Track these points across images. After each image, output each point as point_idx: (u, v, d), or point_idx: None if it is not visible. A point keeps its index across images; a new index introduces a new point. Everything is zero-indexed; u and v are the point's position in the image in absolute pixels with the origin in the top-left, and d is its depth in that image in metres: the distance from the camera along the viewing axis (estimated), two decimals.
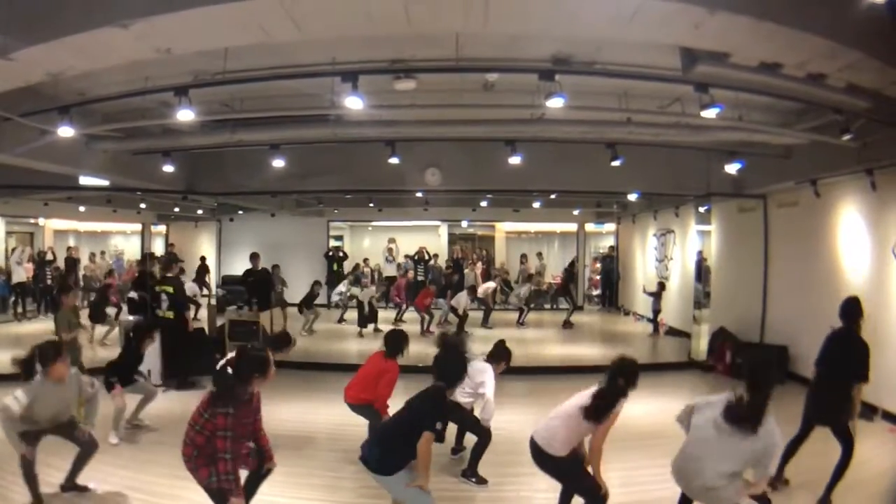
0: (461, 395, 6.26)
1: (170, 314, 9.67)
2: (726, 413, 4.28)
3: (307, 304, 14.68)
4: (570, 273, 17.83)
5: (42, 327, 14.80)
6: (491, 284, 17.02)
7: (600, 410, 4.53)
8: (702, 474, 4.29)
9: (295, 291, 15.42)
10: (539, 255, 21.49)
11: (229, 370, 4.85)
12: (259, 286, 12.81)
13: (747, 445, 4.19)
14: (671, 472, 4.56)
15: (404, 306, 16.51)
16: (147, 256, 12.65)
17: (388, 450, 4.38)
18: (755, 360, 4.78)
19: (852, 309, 5.90)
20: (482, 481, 6.13)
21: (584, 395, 4.71)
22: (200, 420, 4.39)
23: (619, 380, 4.58)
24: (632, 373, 4.63)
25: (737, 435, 4.20)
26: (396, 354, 6.37)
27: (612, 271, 20.50)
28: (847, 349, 5.80)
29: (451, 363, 4.73)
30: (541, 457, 4.72)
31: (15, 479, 5.80)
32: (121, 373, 7.39)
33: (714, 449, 4.30)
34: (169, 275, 9.96)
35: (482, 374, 6.35)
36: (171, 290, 9.72)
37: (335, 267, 17.90)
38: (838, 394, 5.70)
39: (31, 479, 5.35)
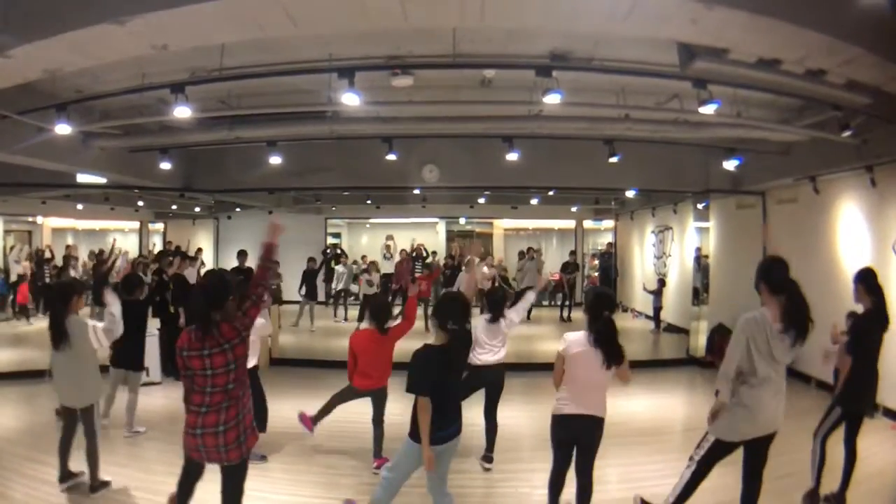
0: (491, 354, 6.38)
1: (171, 309, 9.74)
2: (795, 339, 4.30)
3: (309, 289, 14.65)
4: (566, 265, 17.84)
5: (41, 325, 14.81)
6: (486, 270, 16.77)
7: (617, 353, 4.54)
8: (779, 400, 4.46)
9: (293, 290, 15.42)
10: (538, 251, 21.48)
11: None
12: (243, 285, 12.70)
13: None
14: (752, 429, 4.51)
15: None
16: (161, 254, 12.67)
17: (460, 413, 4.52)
18: (766, 262, 4.59)
19: (876, 280, 5.56)
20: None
21: (591, 359, 4.56)
22: (231, 376, 3.88)
23: (604, 314, 4.55)
24: (608, 302, 4.67)
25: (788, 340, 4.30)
26: (385, 323, 6.31)
27: (611, 268, 20.50)
28: (880, 326, 5.52)
29: (465, 305, 4.58)
30: (596, 426, 4.71)
31: (14, 477, 5.83)
32: (131, 357, 7.27)
33: (780, 375, 4.42)
34: (177, 272, 10.01)
35: (510, 325, 6.49)
36: (172, 286, 9.78)
37: (333, 264, 17.88)
38: (870, 376, 5.57)
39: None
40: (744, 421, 4.49)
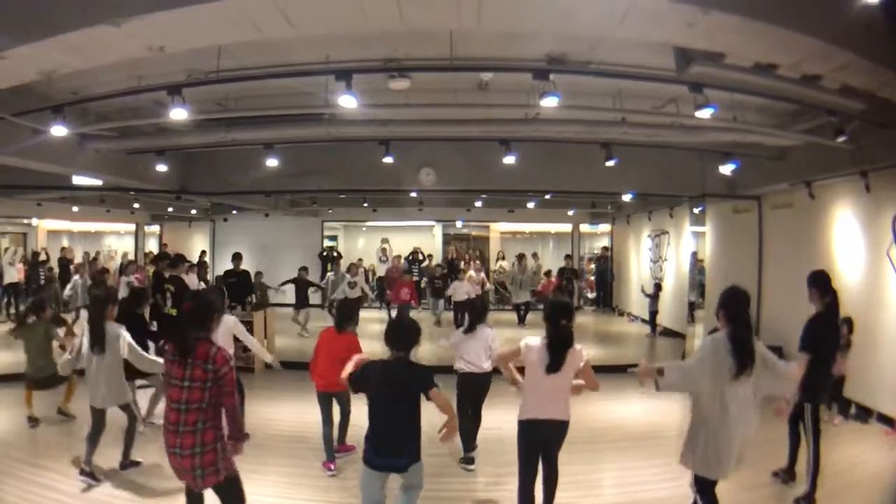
0: (483, 362, 6.53)
1: (173, 311, 9.66)
2: (739, 366, 4.32)
3: (299, 298, 14.57)
4: (562, 271, 17.71)
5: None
6: (473, 274, 16.66)
7: (560, 363, 4.67)
8: (747, 434, 4.43)
9: (289, 293, 15.31)
10: (534, 255, 21.46)
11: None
12: (237, 288, 12.59)
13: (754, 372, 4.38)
14: (715, 469, 4.49)
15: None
16: (158, 256, 12.68)
17: (413, 440, 4.36)
18: (728, 293, 4.65)
19: (830, 283, 5.85)
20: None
21: (549, 377, 4.71)
22: (183, 395, 3.99)
23: (561, 322, 4.73)
24: (565, 312, 4.83)
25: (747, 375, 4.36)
26: (348, 325, 6.46)
27: (607, 272, 20.50)
28: (834, 326, 5.89)
29: (407, 332, 4.61)
30: (562, 430, 4.86)
31: (9, 480, 5.81)
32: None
33: (748, 406, 4.40)
34: (175, 273, 9.96)
35: (494, 339, 6.64)
36: (173, 288, 9.71)
37: (329, 267, 17.85)
38: (829, 371, 5.92)
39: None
40: (713, 459, 4.47)
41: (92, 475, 5.86)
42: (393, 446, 4.31)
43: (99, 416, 6.00)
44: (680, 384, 4.60)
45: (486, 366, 6.55)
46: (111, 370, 5.93)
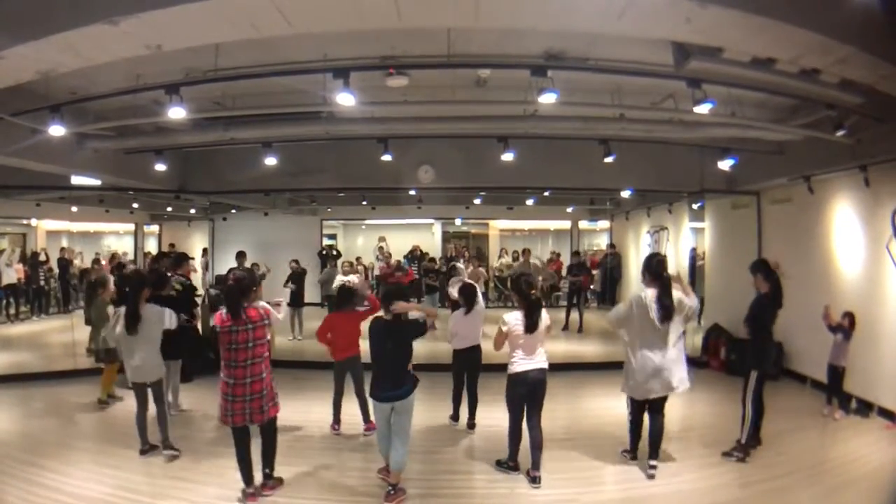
0: (477, 337, 7.63)
1: None
2: (663, 317, 5.86)
3: (294, 295, 14.38)
4: (571, 267, 17.19)
5: (35, 329, 14.75)
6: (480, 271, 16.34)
7: (536, 323, 5.96)
8: (665, 365, 5.98)
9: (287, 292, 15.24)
10: (529, 250, 21.17)
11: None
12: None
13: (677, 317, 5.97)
14: (641, 391, 6.11)
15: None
16: (159, 255, 12.67)
17: (406, 379, 5.63)
18: (648, 258, 6.27)
19: (770, 268, 6.88)
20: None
21: (530, 335, 5.94)
22: (249, 353, 5.27)
23: (531, 292, 6.03)
24: (526, 282, 6.15)
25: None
26: (348, 305, 7.44)
27: (614, 269, 20.17)
28: (778, 304, 6.73)
29: (398, 294, 5.89)
30: (545, 376, 6.05)
31: (9, 480, 5.81)
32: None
33: (667, 344, 5.98)
34: (179, 273, 9.95)
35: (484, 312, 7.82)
36: (178, 287, 9.70)
37: (328, 266, 17.80)
38: (773, 343, 7.04)
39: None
40: (638, 383, 6.06)
41: (151, 447, 6.63)
42: (394, 382, 5.57)
43: (141, 394, 6.63)
44: (618, 320, 6.25)
45: (479, 340, 7.62)
46: (147, 347, 6.52)
